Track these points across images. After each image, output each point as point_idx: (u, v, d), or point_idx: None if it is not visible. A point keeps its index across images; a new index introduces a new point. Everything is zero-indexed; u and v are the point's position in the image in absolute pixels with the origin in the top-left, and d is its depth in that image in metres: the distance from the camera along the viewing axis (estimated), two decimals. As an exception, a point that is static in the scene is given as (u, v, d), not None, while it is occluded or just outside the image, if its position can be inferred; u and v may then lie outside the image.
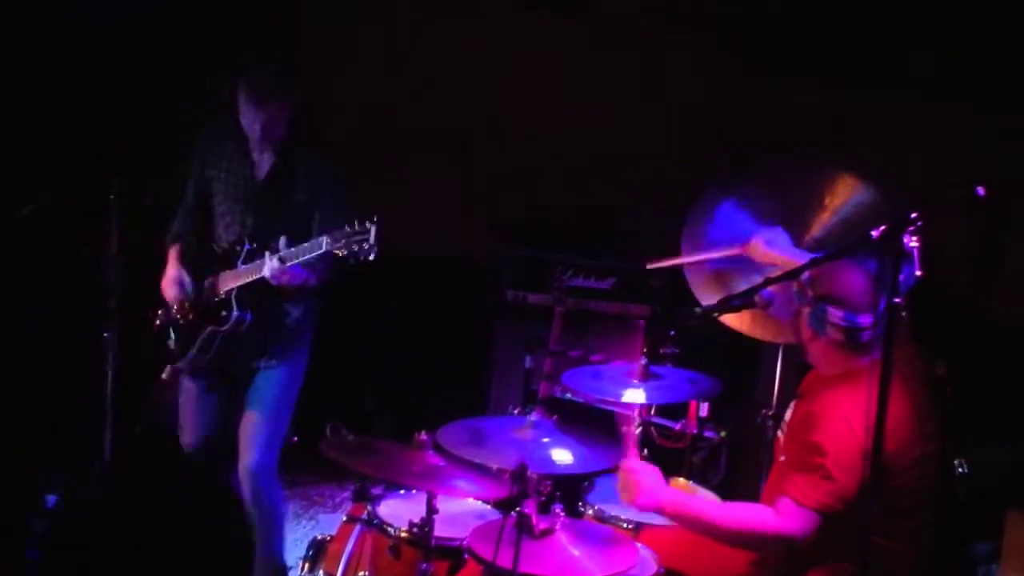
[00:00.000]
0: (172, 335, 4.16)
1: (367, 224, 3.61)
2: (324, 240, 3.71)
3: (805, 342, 3.17)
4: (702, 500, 3.32)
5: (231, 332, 4.03)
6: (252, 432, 4.09)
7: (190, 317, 4.12)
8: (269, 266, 3.87)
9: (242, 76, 3.98)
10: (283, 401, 4.13)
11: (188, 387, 4.25)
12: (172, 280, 4.14)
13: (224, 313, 4.03)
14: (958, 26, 4.80)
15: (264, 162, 4.09)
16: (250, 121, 3.99)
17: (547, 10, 5.40)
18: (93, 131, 4.94)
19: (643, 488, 3.12)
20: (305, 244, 3.80)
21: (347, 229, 3.64)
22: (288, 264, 3.84)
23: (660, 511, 3.13)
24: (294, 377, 4.16)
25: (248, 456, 4.07)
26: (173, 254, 4.20)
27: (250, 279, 3.96)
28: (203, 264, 4.15)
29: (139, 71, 5.07)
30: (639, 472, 3.17)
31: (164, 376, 4.19)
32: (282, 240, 3.88)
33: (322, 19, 5.56)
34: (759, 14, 5.19)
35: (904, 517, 2.98)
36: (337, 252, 3.66)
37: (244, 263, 3.99)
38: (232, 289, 4.01)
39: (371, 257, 3.62)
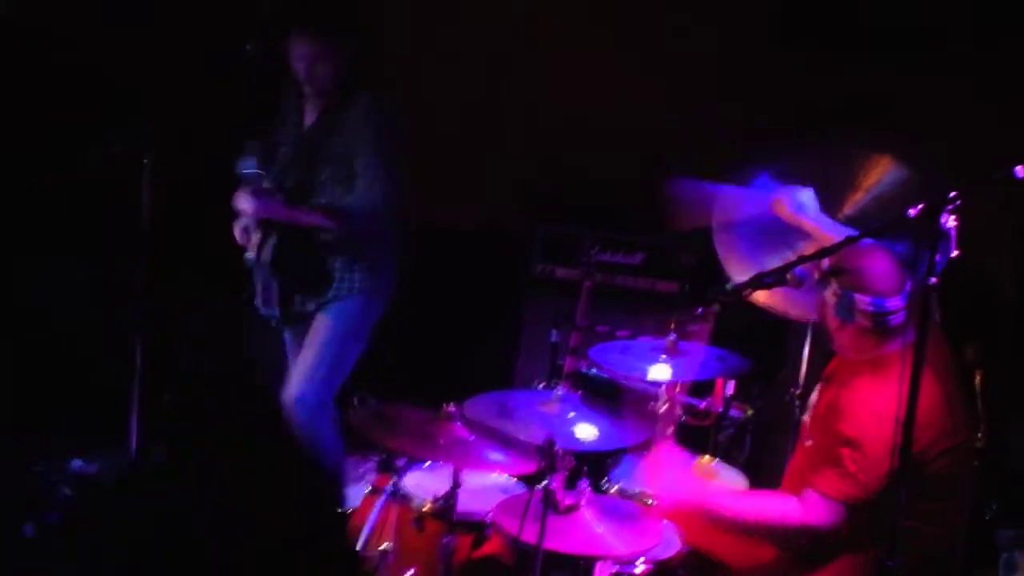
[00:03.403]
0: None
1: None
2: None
3: (832, 331, 3.14)
4: (724, 493, 3.31)
5: (266, 271, 4.12)
6: (297, 366, 4.20)
7: None
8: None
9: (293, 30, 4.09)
10: (331, 348, 4.17)
11: (285, 338, 4.41)
12: (239, 224, 4.23)
13: (252, 255, 4.18)
14: (988, 8, 4.73)
15: (313, 112, 4.18)
16: (296, 61, 4.08)
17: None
18: (128, 97, 4.95)
19: (661, 490, 3.13)
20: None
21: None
22: (248, 199, 4.02)
23: (682, 509, 3.13)
24: (348, 328, 4.19)
25: (288, 389, 4.17)
26: None
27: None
28: None
29: (174, 36, 5.07)
30: (658, 474, 3.18)
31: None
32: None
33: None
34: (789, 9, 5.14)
35: (934, 502, 2.97)
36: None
37: None
38: (259, 229, 4.12)
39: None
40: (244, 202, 4.08)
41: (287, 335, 4.42)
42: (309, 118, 4.22)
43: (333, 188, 4.08)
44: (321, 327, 4.19)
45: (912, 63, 4.81)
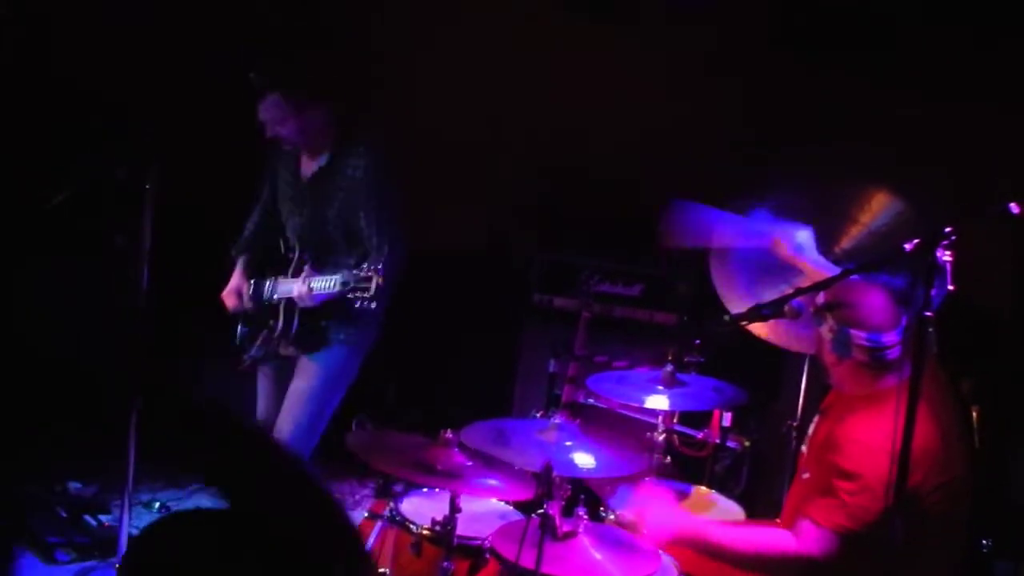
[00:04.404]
0: (241, 327, 4.28)
1: (370, 273, 3.69)
2: (338, 280, 3.82)
3: (829, 366, 3.15)
4: (717, 525, 3.30)
5: (280, 337, 4.12)
6: (282, 423, 4.16)
7: (255, 314, 4.25)
8: (297, 290, 4.00)
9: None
10: (316, 398, 4.16)
11: (259, 375, 4.39)
12: (232, 290, 4.28)
13: (272, 321, 4.14)
14: (989, 23, 4.77)
15: (312, 165, 4.16)
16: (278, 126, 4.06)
17: (574, 12, 5.41)
18: (130, 120, 4.98)
19: (652, 525, 3.14)
20: (326, 278, 3.91)
21: (358, 273, 3.72)
22: (310, 293, 3.94)
23: (674, 543, 3.13)
24: (332, 378, 4.19)
25: None
26: (240, 265, 4.33)
27: (290, 295, 4.06)
28: (267, 263, 4.26)
29: (176, 60, 5.11)
30: (647, 508, 3.19)
31: (242, 367, 4.32)
32: (307, 267, 4.01)
33: (344, 14, 5.58)
34: (789, 10, 5.19)
35: (930, 535, 2.97)
36: (349, 296, 3.75)
37: (292, 275, 4.09)
38: (282, 300, 4.11)
39: (372, 306, 3.71)
40: (301, 297, 4.03)
41: (261, 372, 4.40)
42: (306, 169, 4.19)
43: (340, 245, 4.08)
44: (305, 378, 4.19)
45: (911, 73, 4.86)
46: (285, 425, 4.14)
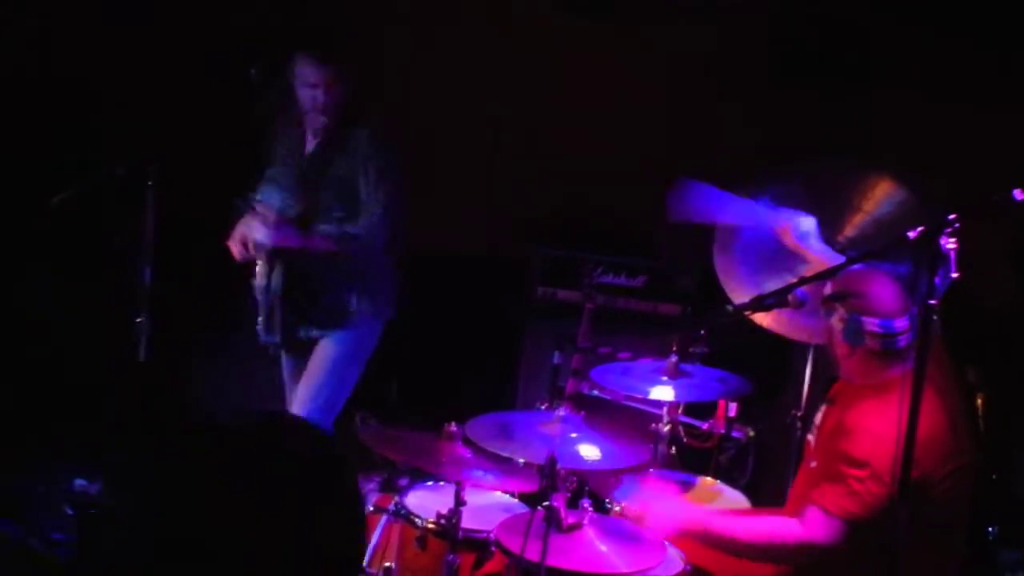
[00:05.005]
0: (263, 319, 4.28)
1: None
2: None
3: (840, 359, 3.14)
4: (721, 515, 3.30)
5: (272, 298, 4.13)
6: (299, 394, 4.20)
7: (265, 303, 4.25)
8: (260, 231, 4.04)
9: (298, 55, 4.11)
10: (334, 373, 4.18)
11: (282, 361, 4.41)
12: (237, 236, 4.19)
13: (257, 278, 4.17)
14: (987, 29, 4.78)
15: (314, 139, 4.20)
16: (303, 88, 4.11)
17: (573, 13, 5.41)
18: (130, 118, 4.98)
19: (657, 516, 3.14)
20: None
21: None
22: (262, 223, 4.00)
23: (679, 535, 3.13)
24: (350, 353, 4.21)
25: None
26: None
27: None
28: None
29: (176, 60, 5.11)
30: (652, 500, 3.18)
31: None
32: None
33: (347, 15, 5.58)
34: (788, 20, 5.18)
35: (934, 527, 2.96)
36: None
37: None
38: (264, 255, 4.12)
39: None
40: (259, 232, 4.07)
41: (285, 360, 4.42)
42: (309, 145, 4.24)
43: (336, 214, 4.11)
44: (323, 353, 4.20)
45: (911, 73, 4.86)
46: (306, 400, 4.16)
